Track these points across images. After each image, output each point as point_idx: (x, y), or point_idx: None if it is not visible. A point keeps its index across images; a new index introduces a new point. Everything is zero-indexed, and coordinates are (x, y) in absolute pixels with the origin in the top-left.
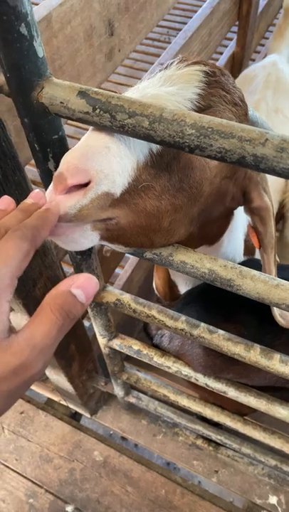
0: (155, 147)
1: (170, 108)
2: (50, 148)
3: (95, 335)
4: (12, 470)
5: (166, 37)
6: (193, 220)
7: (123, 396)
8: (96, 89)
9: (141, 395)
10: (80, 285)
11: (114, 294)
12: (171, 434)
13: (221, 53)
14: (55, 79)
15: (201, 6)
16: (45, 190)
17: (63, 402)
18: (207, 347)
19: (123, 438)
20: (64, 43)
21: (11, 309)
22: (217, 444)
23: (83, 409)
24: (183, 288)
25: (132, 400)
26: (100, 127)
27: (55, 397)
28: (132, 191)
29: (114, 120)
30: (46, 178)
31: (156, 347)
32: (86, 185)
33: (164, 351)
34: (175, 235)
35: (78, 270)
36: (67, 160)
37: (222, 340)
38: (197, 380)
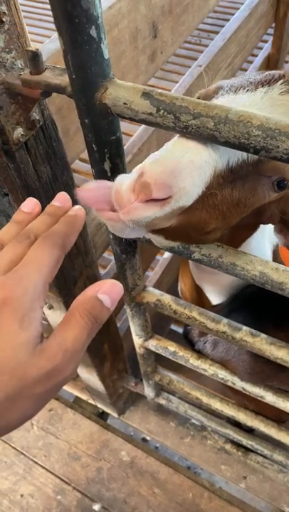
0: (233, 160)
1: (235, 109)
2: (108, 148)
3: (125, 334)
4: (41, 466)
5: (196, 39)
6: (229, 227)
7: (153, 397)
8: (160, 91)
9: (171, 396)
10: (106, 291)
11: (155, 294)
12: (200, 437)
13: (256, 55)
14: (118, 80)
15: (231, 8)
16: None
17: (91, 401)
18: (255, 353)
19: (144, 439)
20: (111, 45)
21: (51, 307)
22: (246, 450)
23: (111, 409)
24: (211, 295)
25: (162, 401)
26: (184, 134)
27: (84, 396)
28: (199, 199)
29: (178, 121)
30: (101, 178)
31: (199, 353)
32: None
33: (200, 354)
34: (212, 238)
35: (122, 269)
36: (156, 172)
37: (264, 344)
38: (234, 383)
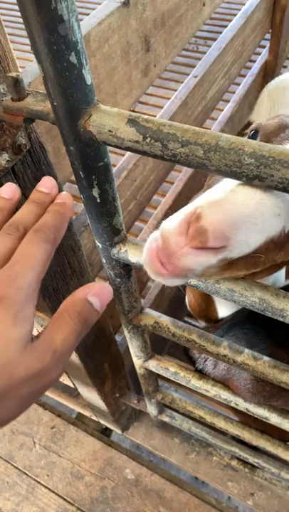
0: (288, 228)
1: (226, 136)
2: (96, 175)
3: (126, 350)
4: (44, 486)
5: (194, 46)
6: None
7: (156, 415)
8: (146, 117)
9: (174, 413)
10: (96, 293)
11: (153, 316)
12: (205, 453)
13: (254, 61)
14: (102, 106)
15: (228, 15)
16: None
17: (94, 418)
18: None
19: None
20: (101, 61)
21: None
22: (253, 466)
23: (114, 426)
24: (222, 307)
25: (165, 418)
26: (247, 182)
27: (86, 413)
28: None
29: (166, 149)
30: (90, 205)
31: (200, 372)
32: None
33: (202, 374)
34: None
35: (117, 293)
36: (216, 219)
37: (267, 367)
38: (237, 404)
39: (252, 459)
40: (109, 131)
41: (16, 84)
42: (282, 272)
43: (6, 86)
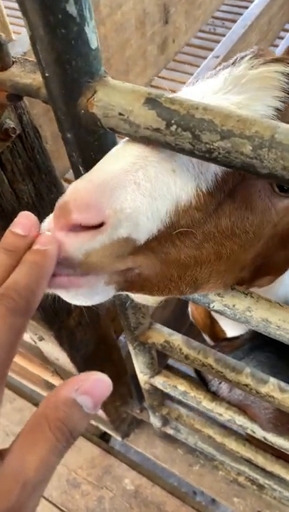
0: (205, 184)
1: (286, 127)
2: None
3: (128, 353)
4: None
5: (210, 27)
6: (246, 266)
7: (160, 426)
8: (172, 96)
9: (180, 425)
10: (88, 390)
11: (163, 334)
12: (210, 466)
13: (276, 46)
14: (111, 79)
15: None
16: None
17: (93, 422)
18: None
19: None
20: (112, 31)
21: (41, 338)
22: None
23: (114, 432)
24: (227, 327)
25: (169, 431)
26: (204, 160)
27: None
28: (162, 238)
29: (199, 142)
30: None
31: (213, 394)
32: (98, 226)
33: (215, 395)
34: (218, 285)
35: (122, 308)
36: (78, 187)
37: None
38: (254, 432)
39: (262, 480)
40: (120, 114)
41: None
42: None
43: None
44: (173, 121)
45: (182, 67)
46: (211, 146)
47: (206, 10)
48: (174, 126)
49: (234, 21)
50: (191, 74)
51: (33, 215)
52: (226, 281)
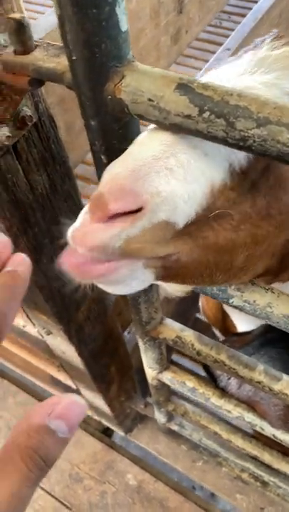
0: (238, 163)
1: None
2: None
3: (134, 347)
4: (40, 487)
5: (216, 21)
6: (276, 252)
7: (165, 422)
8: (205, 82)
9: (184, 422)
10: (61, 414)
11: (174, 329)
12: (214, 462)
13: None
14: (140, 64)
15: None
16: None
17: (96, 417)
18: None
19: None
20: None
21: (49, 332)
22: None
23: (118, 428)
24: (238, 321)
25: (174, 427)
26: (239, 148)
27: (88, 412)
28: (200, 221)
29: (233, 130)
30: None
31: (222, 390)
32: (136, 212)
33: (224, 392)
34: (249, 272)
35: (135, 302)
36: (111, 177)
37: None
38: (263, 429)
39: (267, 478)
40: (150, 99)
41: (21, 30)
42: None
43: (8, 33)
44: (206, 108)
45: (188, 61)
46: (246, 134)
47: (220, 1)
48: (207, 113)
49: (240, 15)
50: (196, 68)
51: (3, 235)
52: (257, 269)
